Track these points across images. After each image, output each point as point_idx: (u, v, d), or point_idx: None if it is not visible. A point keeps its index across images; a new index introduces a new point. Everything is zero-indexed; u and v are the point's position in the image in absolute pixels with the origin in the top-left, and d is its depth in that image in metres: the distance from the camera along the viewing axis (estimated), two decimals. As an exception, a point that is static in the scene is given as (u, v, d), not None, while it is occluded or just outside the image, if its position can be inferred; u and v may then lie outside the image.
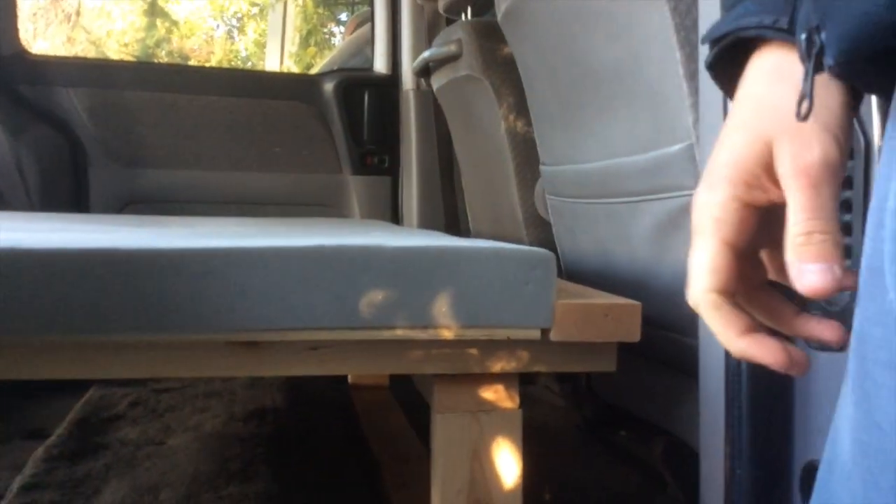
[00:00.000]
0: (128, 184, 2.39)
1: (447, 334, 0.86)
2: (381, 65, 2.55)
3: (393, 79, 2.51)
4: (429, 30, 2.41)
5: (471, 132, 2.13)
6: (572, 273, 1.49)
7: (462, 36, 1.88)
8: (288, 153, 2.51)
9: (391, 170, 2.55)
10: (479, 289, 0.86)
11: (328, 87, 2.50)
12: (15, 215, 1.76)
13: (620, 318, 0.88)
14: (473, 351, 0.88)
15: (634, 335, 0.89)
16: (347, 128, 2.50)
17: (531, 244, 1.82)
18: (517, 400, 0.93)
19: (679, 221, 1.03)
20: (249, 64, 7.29)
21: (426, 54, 2.08)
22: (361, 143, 2.52)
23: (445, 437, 0.90)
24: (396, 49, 2.51)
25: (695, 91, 0.91)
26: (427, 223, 2.46)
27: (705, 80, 0.85)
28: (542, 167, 1.61)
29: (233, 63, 7.37)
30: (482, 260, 0.86)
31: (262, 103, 2.48)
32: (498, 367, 0.89)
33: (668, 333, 1.07)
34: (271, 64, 6.52)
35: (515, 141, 1.81)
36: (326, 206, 2.54)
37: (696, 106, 0.91)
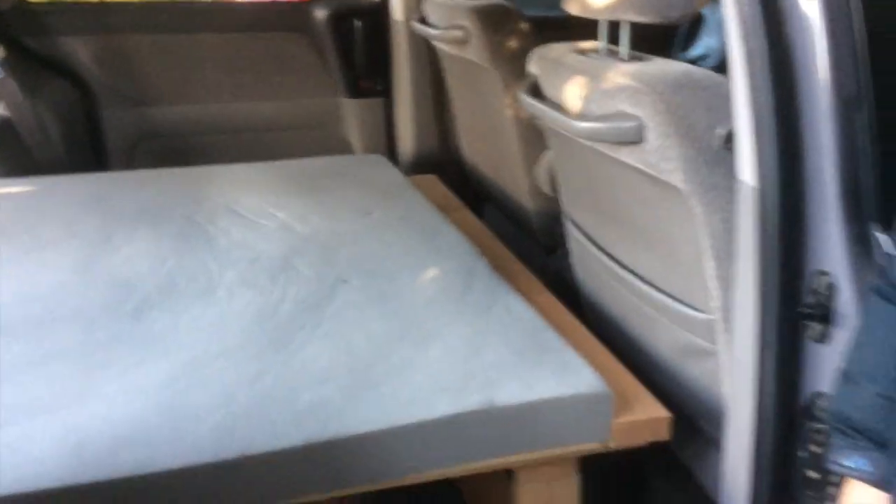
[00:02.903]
0: (138, 122, 2.52)
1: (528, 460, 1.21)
2: (370, -11, 2.62)
3: (382, 6, 2.60)
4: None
5: (473, 95, 2.31)
6: (591, 307, 1.77)
7: (468, 24, 2.02)
8: (285, 81, 2.64)
9: (385, 92, 2.71)
10: (549, 431, 1.20)
11: (320, 15, 2.59)
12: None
13: (657, 429, 1.25)
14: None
15: (666, 435, 1.27)
16: (341, 54, 2.62)
17: (536, 214, 2.12)
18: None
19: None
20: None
21: (428, 31, 2.21)
22: (355, 68, 2.66)
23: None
24: (386, -24, 2.57)
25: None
26: (421, 146, 2.67)
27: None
28: (565, 209, 1.80)
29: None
30: (552, 412, 1.19)
31: (258, 36, 2.58)
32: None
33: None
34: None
35: (521, 126, 2.04)
36: (324, 128, 2.73)
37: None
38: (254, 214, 1.84)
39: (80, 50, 2.39)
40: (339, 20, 2.59)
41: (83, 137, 2.46)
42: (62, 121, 2.35)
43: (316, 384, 1.19)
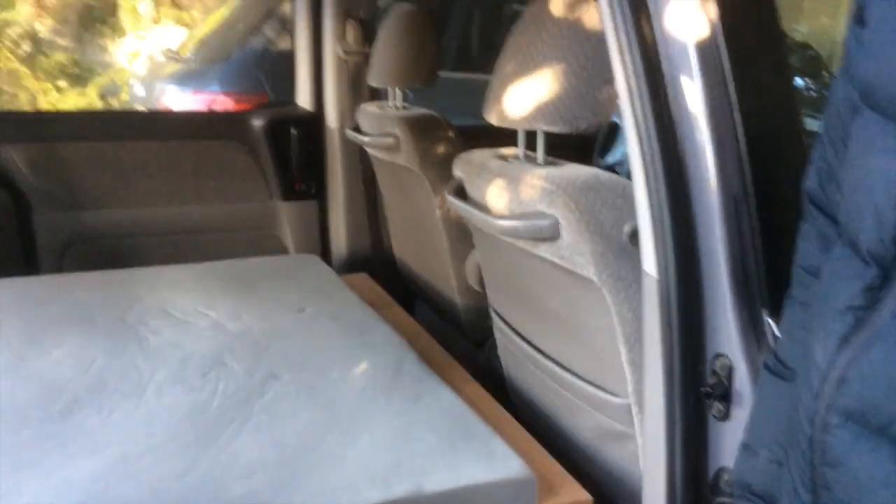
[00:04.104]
0: (71, 226, 2.53)
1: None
2: (304, 101, 2.74)
3: (317, 116, 2.71)
4: (352, 79, 2.62)
5: (403, 197, 2.42)
6: (517, 395, 1.82)
7: (398, 132, 2.13)
8: (220, 186, 2.70)
9: (318, 195, 2.79)
10: None
11: (257, 124, 2.68)
12: None
13: None
14: None
15: None
16: (276, 160, 2.70)
17: (465, 309, 2.19)
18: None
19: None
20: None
21: (361, 138, 2.33)
22: (289, 172, 2.74)
23: None
24: (320, 87, 2.70)
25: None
26: (353, 246, 2.75)
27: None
28: (491, 303, 1.88)
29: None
30: (479, 498, 1.22)
31: (195, 143, 2.65)
32: None
33: None
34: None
35: (449, 226, 2.13)
36: (259, 230, 2.78)
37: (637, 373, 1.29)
38: (185, 314, 1.86)
39: (13, 156, 2.42)
40: (276, 128, 2.68)
41: (14, 241, 2.46)
42: (-8, 227, 2.35)
43: (245, 477, 1.20)
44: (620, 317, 1.29)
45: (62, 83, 6.46)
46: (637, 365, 1.28)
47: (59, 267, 2.50)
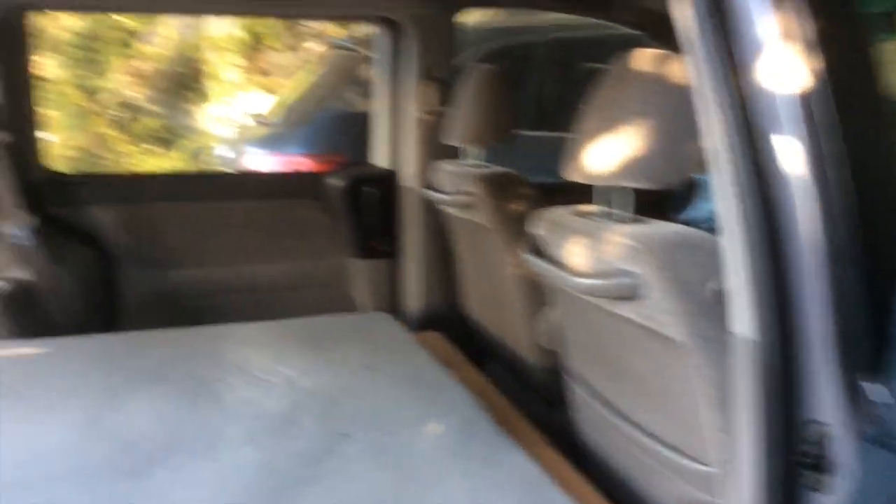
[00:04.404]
0: (153, 284, 2.60)
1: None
2: (381, 160, 2.77)
3: (393, 174, 2.74)
4: (428, 138, 2.63)
5: (477, 255, 2.40)
6: (593, 459, 1.76)
7: (475, 189, 2.13)
8: (296, 244, 2.74)
9: (392, 252, 2.79)
10: None
11: (333, 182, 2.72)
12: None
13: None
14: None
15: None
16: (351, 219, 2.73)
17: (538, 368, 2.13)
18: None
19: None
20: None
21: (436, 196, 2.33)
22: (364, 231, 2.76)
23: None
24: (396, 146, 2.73)
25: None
26: (425, 304, 2.73)
27: None
28: (567, 363, 1.83)
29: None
30: None
31: (273, 203, 2.71)
32: None
33: None
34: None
35: (523, 284, 2.10)
36: (333, 287, 2.79)
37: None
38: (260, 372, 1.86)
39: (104, 217, 2.51)
40: (352, 187, 2.72)
41: (100, 299, 2.53)
42: (82, 284, 2.43)
43: (316, 539, 1.17)
44: (708, 379, 1.22)
45: (151, 146, 6.74)
46: (725, 431, 1.21)
47: (139, 324, 2.56)
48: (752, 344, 1.03)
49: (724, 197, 1.06)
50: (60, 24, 6.43)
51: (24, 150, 2.39)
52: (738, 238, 1.04)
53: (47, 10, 5.21)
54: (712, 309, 1.22)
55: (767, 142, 1.02)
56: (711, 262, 1.23)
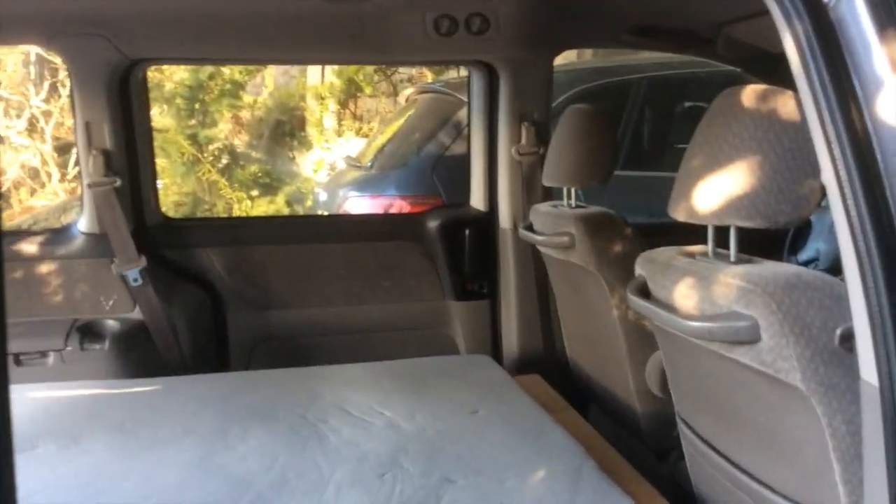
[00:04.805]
0: (259, 325, 2.67)
1: None
2: (478, 202, 2.78)
3: (490, 216, 2.74)
4: (525, 180, 2.63)
5: (576, 297, 2.36)
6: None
7: (574, 230, 2.10)
8: (395, 286, 2.77)
9: (490, 294, 2.79)
10: None
11: (432, 225, 2.74)
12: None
13: None
14: None
15: None
16: (449, 260, 2.75)
17: (645, 416, 2.07)
18: None
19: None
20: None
21: (534, 237, 2.32)
22: (462, 272, 2.77)
23: None
24: (493, 188, 2.74)
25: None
26: (525, 347, 2.70)
27: None
28: (678, 411, 1.75)
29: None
30: None
31: (372, 245, 2.75)
32: None
33: None
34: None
35: (627, 327, 2.05)
36: (431, 329, 2.80)
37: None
38: (362, 413, 1.88)
39: (213, 259, 2.61)
40: (450, 229, 2.74)
41: (208, 340, 2.62)
42: (191, 325, 2.52)
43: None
44: (832, 429, 1.15)
45: (255, 192, 6.99)
46: (853, 484, 1.14)
47: (247, 364, 2.63)
48: (881, 391, 0.98)
49: (843, 236, 1.01)
50: (170, 77, 6.80)
51: (140, 197, 2.52)
52: (858, 279, 0.99)
53: (160, 65, 5.52)
54: (836, 354, 1.16)
55: (889, 177, 0.97)
56: (830, 304, 1.17)
